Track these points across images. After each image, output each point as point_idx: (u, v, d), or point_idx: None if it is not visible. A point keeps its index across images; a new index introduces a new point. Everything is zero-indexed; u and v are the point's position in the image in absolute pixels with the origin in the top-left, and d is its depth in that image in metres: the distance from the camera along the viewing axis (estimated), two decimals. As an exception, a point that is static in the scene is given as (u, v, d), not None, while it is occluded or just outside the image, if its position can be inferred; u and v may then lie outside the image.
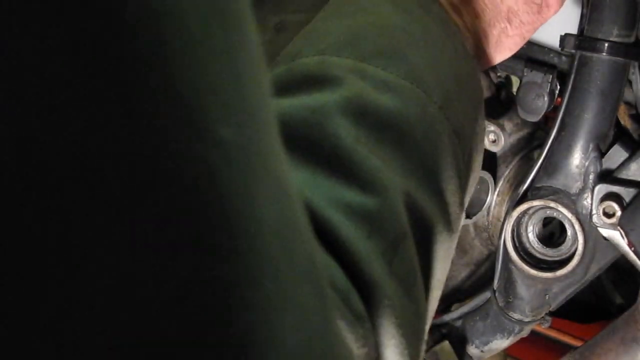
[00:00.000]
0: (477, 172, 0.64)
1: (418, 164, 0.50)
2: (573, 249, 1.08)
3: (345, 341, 0.35)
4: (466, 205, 0.59)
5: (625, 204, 1.02)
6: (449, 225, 0.52)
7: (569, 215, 1.07)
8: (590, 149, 1.05)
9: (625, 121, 1.11)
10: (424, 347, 0.49)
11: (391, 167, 0.48)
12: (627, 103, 1.11)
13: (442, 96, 0.54)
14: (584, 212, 1.06)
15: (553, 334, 1.61)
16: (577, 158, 1.06)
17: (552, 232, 1.17)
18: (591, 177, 1.05)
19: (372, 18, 0.55)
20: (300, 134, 0.46)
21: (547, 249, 1.11)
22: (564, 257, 1.10)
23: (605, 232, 1.04)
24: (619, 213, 1.01)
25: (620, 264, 1.11)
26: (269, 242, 0.26)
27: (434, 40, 0.58)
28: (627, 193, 1.02)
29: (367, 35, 0.54)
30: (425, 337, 0.49)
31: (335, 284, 0.40)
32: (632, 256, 1.03)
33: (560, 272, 1.09)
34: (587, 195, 1.05)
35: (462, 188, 0.56)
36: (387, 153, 0.48)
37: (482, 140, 0.64)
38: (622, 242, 1.03)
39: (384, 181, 0.46)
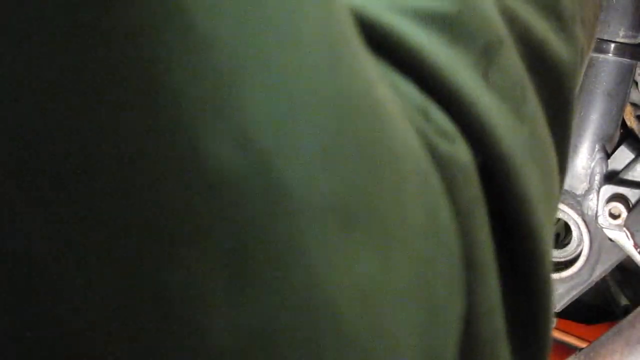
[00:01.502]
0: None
1: None
2: (579, 250, 1.08)
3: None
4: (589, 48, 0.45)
5: (631, 205, 1.01)
6: (572, 48, 0.41)
7: (575, 216, 1.06)
8: (596, 149, 1.05)
9: (632, 122, 1.11)
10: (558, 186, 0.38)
11: None
12: (634, 104, 1.11)
13: None
14: (589, 213, 1.06)
15: (558, 335, 1.61)
16: (583, 159, 1.06)
17: (558, 233, 1.17)
18: (597, 178, 1.05)
19: None
20: None
21: (553, 250, 1.11)
22: (569, 258, 1.10)
23: (610, 233, 1.04)
24: (624, 214, 1.01)
25: (626, 265, 1.11)
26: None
27: None
28: (633, 194, 1.02)
29: None
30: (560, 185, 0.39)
31: (407, 101, 0.31)
32: (638, 257, 1.03)
33: (566, 273, 1.09)
34: (593, 196, 1.05)
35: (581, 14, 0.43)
36: None
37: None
38: (628, 244, 1.03)
39: None
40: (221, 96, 0.20)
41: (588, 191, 1.06)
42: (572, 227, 1.08)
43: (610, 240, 1.05)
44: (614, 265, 1.10)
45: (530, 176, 0.34)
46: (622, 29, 1.01)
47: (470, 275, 0.29)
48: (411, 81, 0.31)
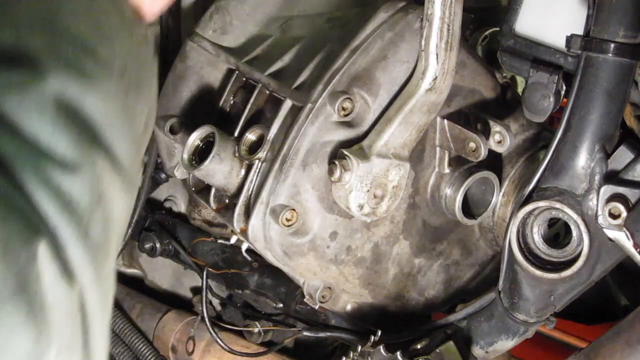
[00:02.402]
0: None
1: None
2: (578, 250, 1.08)
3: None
4: None
5: (631, 205, 1.01)
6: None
7: (575, 216, 1.06)
8: (596, 149, 1.05)
9: (631, 122, 1.11)
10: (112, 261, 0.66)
11: None
12: (633, 104, 1.11)
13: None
14: (589, 213, 1.06)
15: (558, 334, 1.61)
16: (583, 159, 1.06)
17: (558, 233, 1.17)
18: (597, 178, 1.05)
19: None
20: None
21: (553, 249, 1.11)
22: (569, 258, 1.10)
23: (610, 233, 1.04)
24: (624, 214, 1.01)
25: (626, 265, 1.11)
26: None
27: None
28: (632, 194, 1.02)
29: None
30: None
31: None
32: (638, 257, 1.03)
33: (566, 273, 1.09)
34: (593, 196, 1.05)
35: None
36: None
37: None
38: (628, 244, 1.03)
39: None
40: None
41: (588, 191, 1.06)
42: (572, 227, 1.08)
43: (610, 240, 1.05)
44: (614, 265, 1.10)
45: None
46: (621, 29, 1.01)
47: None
48: None
